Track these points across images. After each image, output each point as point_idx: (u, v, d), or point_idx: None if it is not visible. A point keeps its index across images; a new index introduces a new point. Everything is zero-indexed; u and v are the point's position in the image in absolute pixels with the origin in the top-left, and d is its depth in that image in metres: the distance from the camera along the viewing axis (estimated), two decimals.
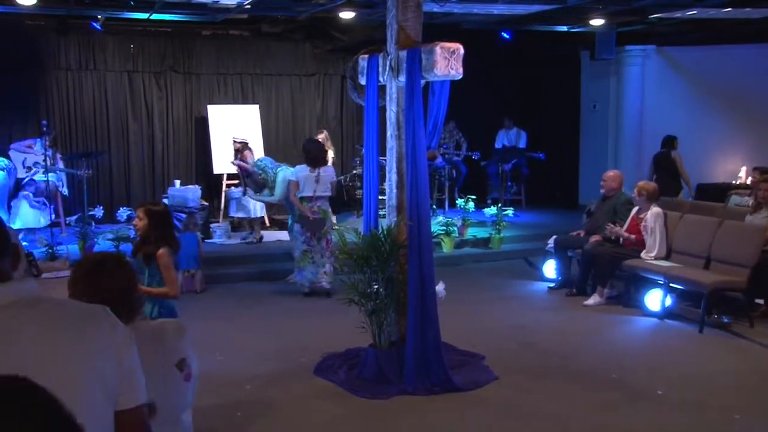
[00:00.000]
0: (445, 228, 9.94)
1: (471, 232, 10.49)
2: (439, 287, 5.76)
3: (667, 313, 7.24)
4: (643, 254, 7.63)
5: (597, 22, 10.93)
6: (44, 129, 9.50)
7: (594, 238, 8.04)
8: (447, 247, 9.94)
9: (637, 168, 12.21)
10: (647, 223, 7.65)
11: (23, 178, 9.77)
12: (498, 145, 13.30)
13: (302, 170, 8.05)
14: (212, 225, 10.43)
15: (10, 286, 1.77)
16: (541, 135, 13.06)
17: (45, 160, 9.20)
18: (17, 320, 1.72)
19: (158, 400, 2.25)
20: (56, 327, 1.77)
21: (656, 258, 7.54)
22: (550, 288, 8.51)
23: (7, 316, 1.71)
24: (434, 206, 11.37)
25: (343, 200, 12.66)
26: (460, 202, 10.74)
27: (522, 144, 13.18)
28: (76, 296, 2.33)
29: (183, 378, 2.34)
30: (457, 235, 10.13)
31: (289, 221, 8.60)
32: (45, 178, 9.42)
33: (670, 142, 10.81)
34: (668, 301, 7.26)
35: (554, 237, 8.75)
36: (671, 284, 7.21)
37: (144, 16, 10.17)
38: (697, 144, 12.24)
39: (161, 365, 2.32)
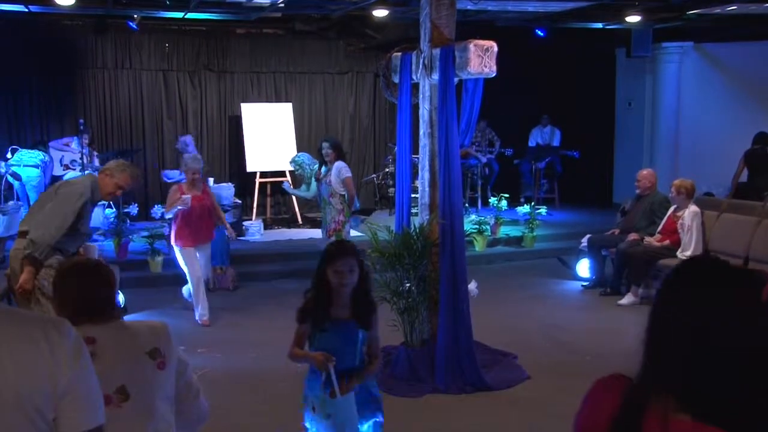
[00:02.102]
0: (477, 226, 9.90)
1: (504, 231, 10.43)
2: (472, 286, 5.74)
3: None
4: (678, 253, 7.51)
5: (633, 18, 10.77)
6: (81, 127, 9.66)
7: (631, 237, 7.95)
8: (479, 245, 9.90)
9: (673, 167, 12.03)
10: (684, 221, 7.53)
11: (61, 176, 9.95)
12: (532, 143, 13.20)
13: (346, 166, 8.03)
14: (245, 223, 10.52)
15: None
16: (575, 133, 12.93)
17: (82, 158, 9.36)
18: None
19: (131, 388, 2.31)
20: None
21: (692, 257, 7.41)
22: (583, 287, 8.42)
23: None
24: (467, 204, 11.32)
25: (376, 198, 12.68)
26: (492, 200, 10.68)
27: (556, 142, 13.07)
28: (62, 300, 2.42)
29: (156, 366, 2.35)
30: (489, 233, 10.08)
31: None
32: (82, 176, 9.56)
33: (765, 138, 10.08)
34: None
35: (588, 236, 8.66)
36: None
37: (179, 15, 10.29)
38: (736, 142, 11.99)
39: (130, 353, 2.35)
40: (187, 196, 6.74)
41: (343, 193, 7.83)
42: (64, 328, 1.74)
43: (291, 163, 8.85)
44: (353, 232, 9.20)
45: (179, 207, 6.74)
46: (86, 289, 2.40)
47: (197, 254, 6.98)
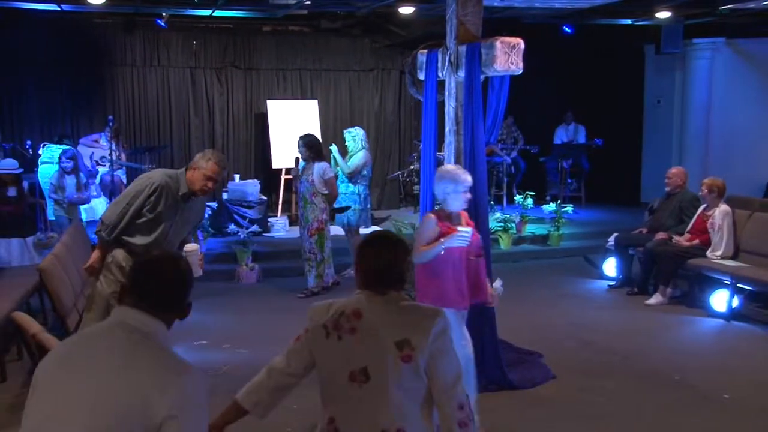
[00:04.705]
0: (503, 224, 9.84)
1: (529, 229, 10.36)
2: (497, 284, 5.69)
3: (733, 314, 7.01)
4: (708, 253, 7.40)
5: (663, 14, 10.63)
6: (110, 124, 9.77)
7: (659, 236, 7.84)
8: (505, 243, 9.84)
9: (703, 165, 11.84)
10: (714, 220, 7.41)
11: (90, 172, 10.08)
12: (557, 140, 13.09)
13: (329, 166, 8.02)
14: (270, 219, 10.57)
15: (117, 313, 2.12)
16: (602, 130, 12.78)
17: (111, 155, 9.46)
18: (91, 344, 2.08)
19: (372, 371, 2.40)
20: (108, 356, 1.99)
21: (723, 257, 7.30)
22: (610, 286, 8.33)
23: (93, 338, 2.11)
24: (492, 202, 11.27)
25: (401, 195, 12.67)
26: (518, 198, 10.62)
27: (581, 139, 12.95)
28: (357, 267, 2.57)
29: (400, 358, 2.37)
30: (515, 231, 10.01)
31: (354, 215, 8.54)
32: (110, 172, 9.66)
33: None
34: (735, 302, 7.02)
35: (615, 234, 8.56)
36: (739, 284, 6.97)
37: (207, 12, 10.37)
38: None
39: (380, 339, 2.42)
40: (467, 229, 4.40)
41: (326, 192, 7.84)
42: (179, 371, 2.00)
43: (346, 132, 8.83)
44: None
45: (451, 245, 4.32)
46: (370, 259, 2.53)
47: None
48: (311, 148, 7.87)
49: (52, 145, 10.00)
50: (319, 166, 7.82)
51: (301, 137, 8.00)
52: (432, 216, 4.47)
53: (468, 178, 4.45)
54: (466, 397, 2.46)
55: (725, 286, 7.08)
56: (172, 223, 4.66)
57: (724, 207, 7.44)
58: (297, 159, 8.05)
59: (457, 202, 4.41)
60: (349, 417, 2.44)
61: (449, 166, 4.78)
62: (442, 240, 4.30)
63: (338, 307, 2.51)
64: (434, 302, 4.24)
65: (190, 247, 4.72)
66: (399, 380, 2.38)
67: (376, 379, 2.39)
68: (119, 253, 4.67)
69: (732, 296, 7.01)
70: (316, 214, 7.82)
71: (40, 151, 10.07)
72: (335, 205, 8.25)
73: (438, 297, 4.35)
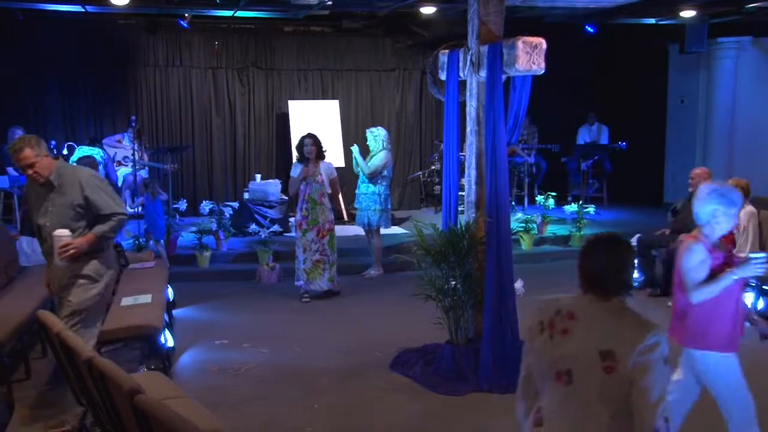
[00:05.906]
0: (524, 225, 9.80)
1: (551, 230, 10.30)
2: (518, 284, 5.68)
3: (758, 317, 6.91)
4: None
5: (688, 13, 10.51)
6: (132, 124, 9.87)
7: (683, 237, 7.75)
8: (526, 244, 9.79)
9: (728, 165, 11.70)
10: (739, 221, 7.31)
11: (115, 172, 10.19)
12: (580, 141, 13.01)
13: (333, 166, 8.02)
14: (291, 219, 10.58)
15: None
16: (625, 130, 12.67)
17: (133, 155, 9.55)
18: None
19: (575, 376, 2.43)
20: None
21: None
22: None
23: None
24: (513, 203, 11.22)
25: (421, 196, 12.66)
26: (539, 198, 10.56)
27: (603, 139, 12.85)
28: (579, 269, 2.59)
29: (602, 368, 2.34)
30: (536, 232, 9.97)
31: (374, 215, 8.53)
32: (132, 172, 9.74)
33: None
34: (760, 304, 6.93)
35: (637, 235, 8.48)
36: (764, 286, 6.88)
37: (229, 13, 10.43)
38: None
39: (586, 346, 2.40)
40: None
41: (329, 192, 7.79)
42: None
43: (369, 132, 8.80)
44: (386, 231, 9.15)
45: (746, 274, 3.74)
46: (589, 261, 2.55)
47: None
48: (318, 144, 7.77)
49: (84, 147, 10.12)
50: (326, 166, 7.81)
51: (306, 135, 7.82)
52: (700, 243, 3.79)
53: (740, 193, 3.86)
54: (664, 421, 2.30)
55: (750, 288, 6.99)
56: (45, 214, 4.66)
57: (749, 208, 7.33)
58: (308, 159, 7.77)
59: (729, 223, 3.78)
60: (553, 412, 2.48)
61: (717, 184, 3.93)
62: (728, 270, 3.67)
63: (560, 305, 2.57)
64: (710, 349, 3.76)
65: (59, 231, 4.66)
66: (600, 391, 2.34)
67: (579, 384, 2.39)
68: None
69: (757, 298, 6.92)
70: (326, 215, 7.76)
71: (64, 151, 10.19)
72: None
73: (714, 342, 3.73)
